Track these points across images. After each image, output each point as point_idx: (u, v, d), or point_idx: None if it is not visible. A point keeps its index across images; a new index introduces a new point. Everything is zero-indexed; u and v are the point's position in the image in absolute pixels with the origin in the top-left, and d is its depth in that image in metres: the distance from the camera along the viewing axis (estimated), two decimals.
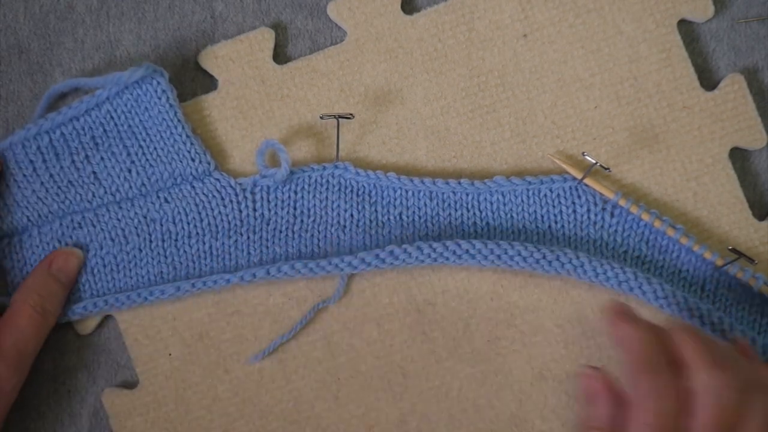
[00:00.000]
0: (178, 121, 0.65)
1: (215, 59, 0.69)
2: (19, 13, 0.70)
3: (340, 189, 0.68)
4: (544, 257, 0.65)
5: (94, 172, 0.66)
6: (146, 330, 0.67)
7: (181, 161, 0.66)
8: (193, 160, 0.66)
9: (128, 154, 0.66)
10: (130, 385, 0.68)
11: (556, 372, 0.67)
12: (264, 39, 0.69)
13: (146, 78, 0.65)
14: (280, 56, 0.70)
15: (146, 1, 0.71)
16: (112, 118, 0.65)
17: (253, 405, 0.67)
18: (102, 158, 0.65)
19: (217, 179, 0.67)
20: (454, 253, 0.65)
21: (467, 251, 0.65)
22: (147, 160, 0.66)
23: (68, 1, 0.71)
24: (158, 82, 0.65)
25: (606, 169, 0.65)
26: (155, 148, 0.66)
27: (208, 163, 0.66)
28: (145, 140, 0.65)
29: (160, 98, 0.64)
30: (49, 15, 0.70)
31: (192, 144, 0.66)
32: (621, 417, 0.57)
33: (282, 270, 0.65)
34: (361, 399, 0.67)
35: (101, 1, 0.71)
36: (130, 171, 0.66)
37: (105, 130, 0.65)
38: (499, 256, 0.65)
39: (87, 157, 0.65)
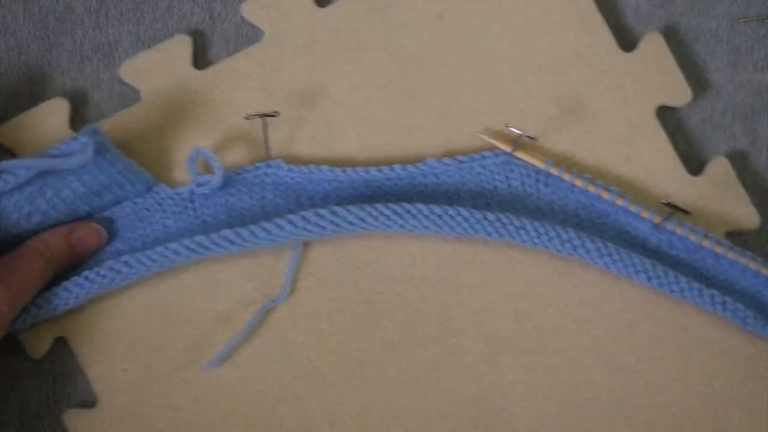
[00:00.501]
0: (114, 159, 0.64)
1: (135, 71, 0.69)
2: (18, 15, 0.70)
3: (275, 187, 0.68)
4: (485, 218, 0.65)
5: (39, 221, 0.65)
6: (99, 348, 0.67)
7: (122, 188, 0.65)
8: (133, 185, 0.66)
9: (71, 200, 0.65)
10: (89, 404, 0.68)
11: (510, 347, 0.67)
12: (181, 46, 0.69)
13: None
14: (200, 61, 0.70)
15: (145, 3, 0.71)
16: (48, 172, 0.63)
17: (213, 412, 0.67)
18: (45, 208, 0.64)
19: (157, 192, 0.67)
20: (395, 212, 0.65)
21: (408, 212, 0.65)
22: (89, 197, 0.65)
23: (67, 3, 0.71)
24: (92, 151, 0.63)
25: (531, 138, 0.65)
26: (98, 187, 0.65)
27: (147, 181, 0.66)
28: (85, 185, 0.64)
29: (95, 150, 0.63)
30: (48, 16, 0.70)
31: (130, 171, 0.65)
32: None
33: (223, 235, 0.65)
34: (320, 395, 0.67)
35: (100, 3, 0.71)
36: (74, 210, 0.65)
37: (42, 185, 0.64)
38: (440, 216, 0.65)
39: (30, 213, 0.64)
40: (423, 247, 0.68)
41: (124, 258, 0.65)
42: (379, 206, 0.65)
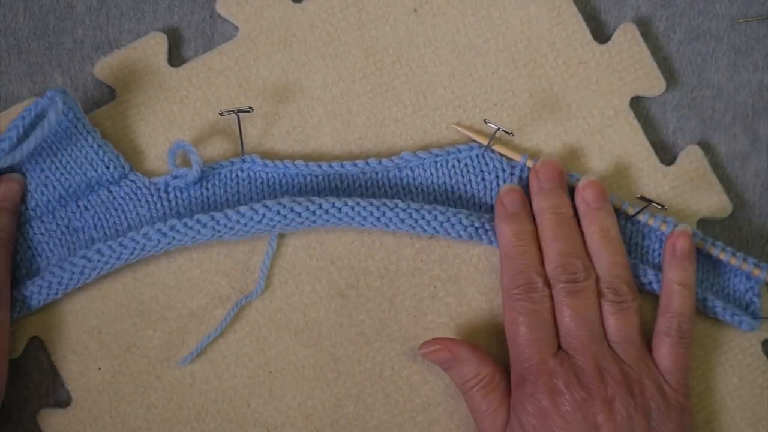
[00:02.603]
0: (87, 131, 0.65)
1: (111, 70, 0.69)
2: (18, 14, 0.71)
3: (250, 182, 0.67)
4: (460, 212, 0.66)
5: None
6: (73, 346, 0.67)
7: (95, 169, 0.65)
8: (107, 166, 0.66)
9: (42, 170, 0.65)
10: (63, 403, 0.67)
11: (484, 341, 0.67)
12: (156, 44, 0.69)
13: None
14: (175, 59, 0.70)
15: (146, 2, 0.71)
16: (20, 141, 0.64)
17: (188, 408, 0.67)
18: None
19: (133, 181, 0.67)
20: (372, 205, 0.65)
21: (385, 204, 0.65)
22: (61, 173, 0.65)
23: (68, 2, 0.71)
24: (62, 102, 0.63)
25: (509, 133, 0.65)
26: (68, 161, 0.65)
27: (123, 167, 0.66)
28: (56, 154, 0.65)
29: (66, 115, 0.64)
30: (49, 15, 0.71)
31: (104, 150, 0.65)
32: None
33: (196, 218, 0.65)
34: (295, 390, 0.67)
35: (101, 2, 0.71)
36: (46, 186, 0.65)
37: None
38: (416, 210, 0.65)
39: None
40: (397, 241, 0.68)
41: (96, 246, 0.65)
42: (358, 199, 0.65)
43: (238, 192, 0.67)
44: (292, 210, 0.64)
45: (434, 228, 0.65)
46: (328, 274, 0.68)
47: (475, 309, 0.67)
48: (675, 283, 0.63)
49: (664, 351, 0.62)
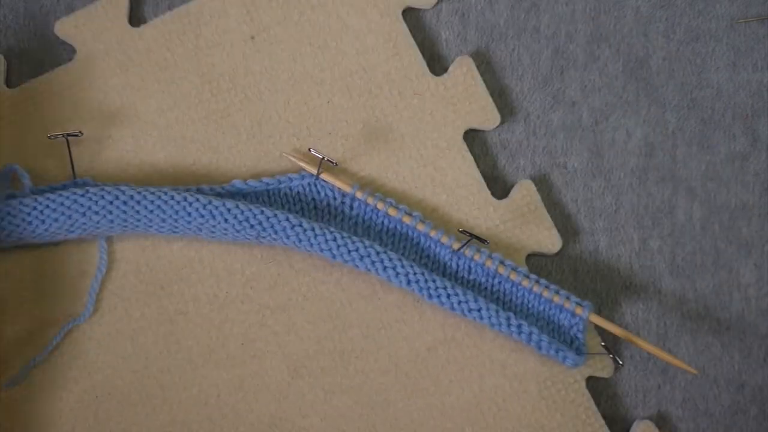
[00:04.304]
0: None
1: None
2: (19, 14, 0.71)
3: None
4: (275, 219, 0.65)
5: None
6: None
7: None
8: None
9: None
10: None
11: (311, 368, 0.67)
12: None
13: None
14: (13, 80, 0.69)
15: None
16: None
17: None
18: None
19: None
20: (185, 200, 0.65)
21: (197, 201, 0.65)
22: None
23: (68, 3, 0.71)
24: None
25: (332, 162, 0.65)
26: None
27: None
28: None
29: None
30: (49, 16, 0.71)
31: None
32: None
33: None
34: (120, 415, 0.66)
35: None
36: None
37: None
38: (236, 216, 0.65)
39: None
40: (228, 268, 0.67)
41: None
42: (176, 190, 0.66)
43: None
44: (116, 188, 0.65)
45: (261, 225, 0.65)
46: (158, 299, 0.67)
47: (302, 337, 0.67)
48: None
49: None
